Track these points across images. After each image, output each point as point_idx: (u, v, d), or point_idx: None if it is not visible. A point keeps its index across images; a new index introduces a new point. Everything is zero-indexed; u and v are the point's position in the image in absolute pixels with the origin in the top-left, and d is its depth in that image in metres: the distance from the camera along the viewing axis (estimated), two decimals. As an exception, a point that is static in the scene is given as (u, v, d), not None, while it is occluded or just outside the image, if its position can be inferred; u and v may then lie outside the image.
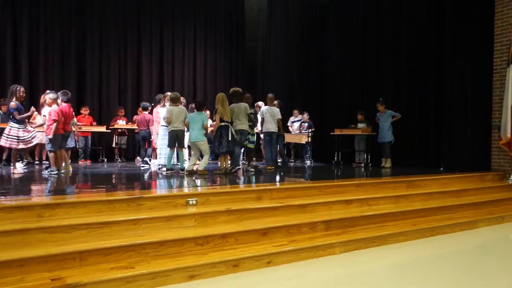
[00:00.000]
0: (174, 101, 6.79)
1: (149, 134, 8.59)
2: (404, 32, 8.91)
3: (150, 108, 8.93)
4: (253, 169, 7.21)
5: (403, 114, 8.77)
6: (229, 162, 6.80)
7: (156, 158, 7.93)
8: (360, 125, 9.30)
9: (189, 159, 7.28)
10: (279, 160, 8.88)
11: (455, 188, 6.24)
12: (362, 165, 9.05)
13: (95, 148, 10.14)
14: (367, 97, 9.62)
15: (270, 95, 8.00)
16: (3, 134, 6.95)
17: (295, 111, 10.82)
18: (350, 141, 9.72)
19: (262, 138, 8.31)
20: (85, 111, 9.81)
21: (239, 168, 6.94)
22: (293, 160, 11.01)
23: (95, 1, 10.80)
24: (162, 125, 7.37)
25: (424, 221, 5.06)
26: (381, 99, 8.83)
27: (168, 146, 6.80)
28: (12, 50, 9.78)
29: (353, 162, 9.57)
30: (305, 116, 10.56)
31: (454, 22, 7.73)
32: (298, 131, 10.56)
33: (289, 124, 10.88)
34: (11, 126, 7.00)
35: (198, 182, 5.69)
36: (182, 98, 7.62)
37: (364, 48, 9.89)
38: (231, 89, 7.06)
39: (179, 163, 6.91)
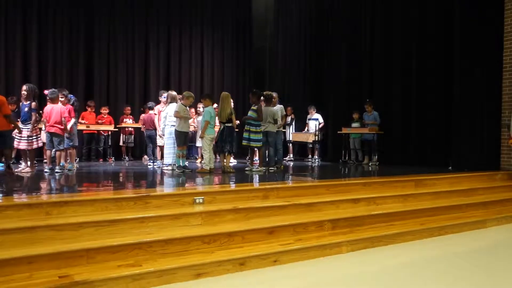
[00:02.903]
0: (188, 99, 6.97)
1: (155, 134, 8.62)
2: (414, 30, 8.83)
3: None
4: (272, 168, 7.27)
5: (412, 113, 8.80)
6: (230, 160, 7.04)
7: (162, 158, 7.94)
8: (354, 125, 9.37)
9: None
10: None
11: (464, 187, 6.19)
12: (364, 163, 9.07)
13: (104, 147, 10.21)
14: (377, 96, 9.54)
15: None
16: (23, 137, 6.57)
17: (311, 110, 10.71)
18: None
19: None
20: (104, 110, 10.02)
21: (276, 167, 7.34)
22: (311, 159, 10.86)
23: (103, 1, 10.86)
24: (168, 124, 7.36)
25: (433, 220, 5.02)
26: (368, 100, 9.17)
27: (178, 145, 6.83)
28: (22, 49, 9.87)
29: (349, 160, 9.64)
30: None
31: (464, 20, 7.64)
32: (314, 130, 10.39)
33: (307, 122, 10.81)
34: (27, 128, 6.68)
35: (205, 180, 5.69)
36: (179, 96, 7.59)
37: (372, 47, 9.82)
38: (264, 92, 7.48)
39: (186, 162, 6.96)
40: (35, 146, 6.64)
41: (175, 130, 6.81)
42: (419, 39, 8.72)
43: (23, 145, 6.58)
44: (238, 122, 8.13)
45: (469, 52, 7.58)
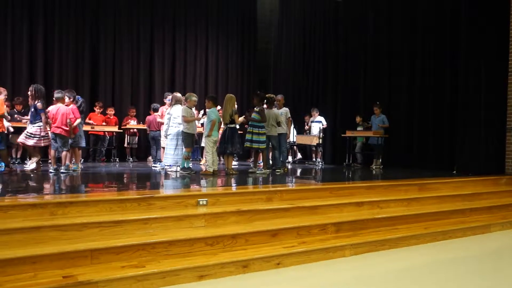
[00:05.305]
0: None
1: (159, 135, 8.64)
2: (419, 34, 8.83)
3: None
4: (279, 170, 7.28)
5: (417, 116, 8.78)
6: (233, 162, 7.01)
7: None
8: (358, 128, 9.35)
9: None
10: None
11: (468, 191, 6.16)
12: (371, 166, 9.07)
13: (109, 148, 10.25)
14: (381, 99, 9.51)
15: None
16: (31, 134, 6.55)
17: (314, 112, 10.65)
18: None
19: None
20: (110, 111, 10.09)
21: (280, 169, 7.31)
22: (321, 161, 10.72)
23: (109, 1, 10.92)
24: (172, 126, 7.37)
25: (436, 225, 5.01)
26: (378, 102, 9.09)
27: (186, 146, 6.84)
28: (28, 50, 9.92)
29: (355, 164, 9.68)
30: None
31: (469, 24, 7.62)
32: (317, 132, 10.31)
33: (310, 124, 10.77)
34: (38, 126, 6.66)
35: (209, 182, 5.70)
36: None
37: (377, 50, 9.81)
38: (267, 95, 7.44)
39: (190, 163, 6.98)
40: (43, 144, 6.67)
41: (183, 131, 6.82)
42: (423, 42, 8.71)
43: (30, 142, 6.54)
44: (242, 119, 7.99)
45: (475, 55, 7.54)
